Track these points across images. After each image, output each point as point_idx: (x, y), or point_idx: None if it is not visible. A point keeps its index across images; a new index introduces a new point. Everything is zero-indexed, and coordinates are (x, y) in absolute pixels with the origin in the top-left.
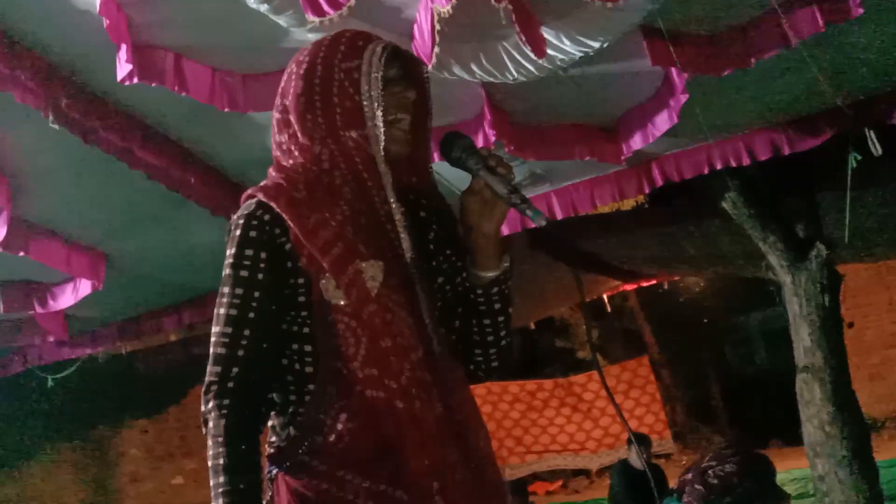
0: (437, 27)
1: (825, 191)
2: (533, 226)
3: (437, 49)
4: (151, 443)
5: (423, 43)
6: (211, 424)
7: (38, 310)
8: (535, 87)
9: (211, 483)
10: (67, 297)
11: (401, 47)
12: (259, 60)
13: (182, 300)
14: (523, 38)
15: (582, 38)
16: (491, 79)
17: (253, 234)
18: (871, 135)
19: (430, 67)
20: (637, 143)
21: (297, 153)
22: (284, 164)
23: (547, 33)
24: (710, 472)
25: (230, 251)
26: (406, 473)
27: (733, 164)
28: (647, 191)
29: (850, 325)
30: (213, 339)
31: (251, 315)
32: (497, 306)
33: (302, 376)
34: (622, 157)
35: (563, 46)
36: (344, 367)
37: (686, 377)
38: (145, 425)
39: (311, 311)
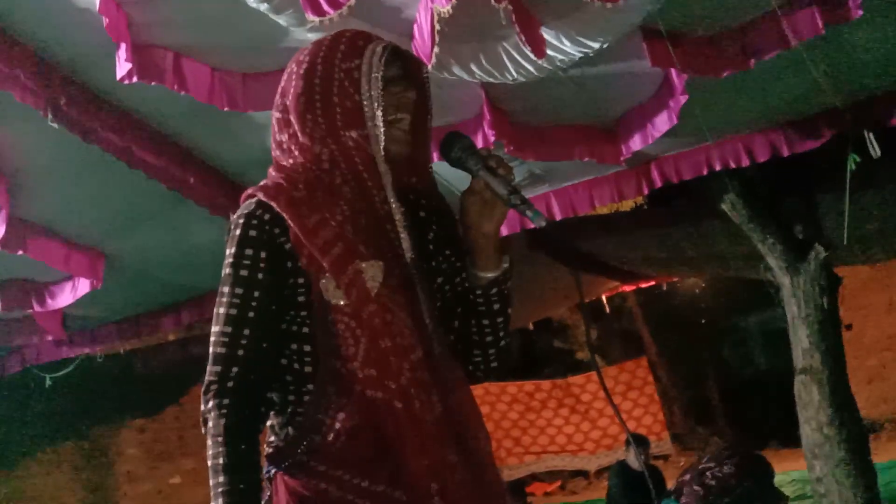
0: (437, 27)
1: (824, 192)
2: (532, 226)
3: (436, 49)
4: (149, 442)
5: (422, 43)
6: (210, 424)
7: (37, 309)
8: (535, 87)
9: (210, 483)
10: (66, 296)
11: (401, 47)
12: (259, 60)
13: (181, 300)
14: (523, 39)
15: (582, 39)
16: (490, 79)
17: (253, 233)
18: (871, 136)
19: (429, 67)
20: (636, 143)
21: (297, 153)
22: (284, 163)
23: (547, 34)
24: (707, 473)
25: (230, 251)
26: (405, 474)
27: (732, 165)
28: (646, 192)
29: (849, 327)
30: (212, 338)
31: (251, 315)
32: (496, 307)
33: (301, 376)
34: (621, 158)
35: (562, 47)
36: (343, 367)
37: (684, 378)
38: (143, 425)
39: (310, 311)
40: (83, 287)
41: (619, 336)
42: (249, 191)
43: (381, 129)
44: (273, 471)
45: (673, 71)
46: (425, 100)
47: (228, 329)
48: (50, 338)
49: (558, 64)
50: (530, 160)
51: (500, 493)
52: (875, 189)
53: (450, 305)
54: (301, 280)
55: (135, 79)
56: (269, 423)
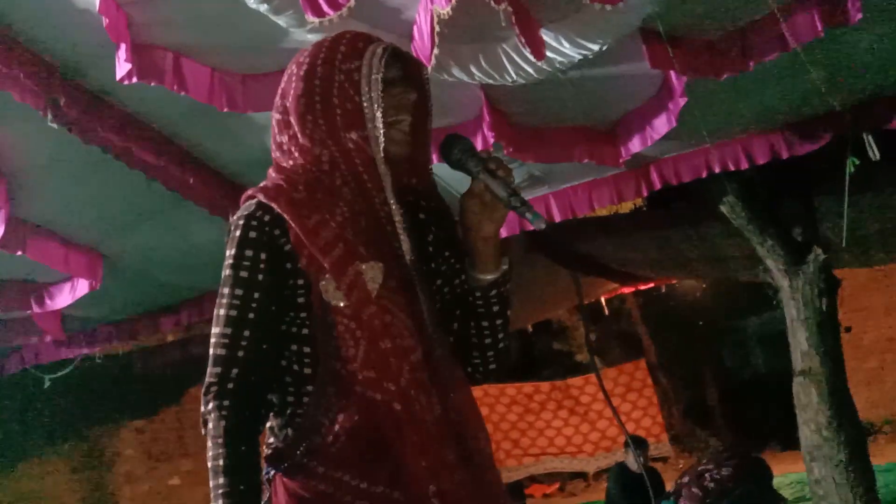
0: (437, 28)
1: (823, 195)
2: (531, 228)
3: (436, 50)
4: (148, 443)
5: (422, 44)
6: (211, 425)
7: (36, 309)
8: (535, 89)
9: (211, 484)
10: (65, 297)
11: (401, 49)
12: (258, 60)
13: (180, 300)
14: (522, 41)
15: (581, 41)
16: (490, 80)
17: (253, 234)
18: (870, 139)
19: (429, 69)
20: (636, 146)
21: (297, 154)
22: (284, 165)
23: (546, 35)
24: (706, 475)
25: (230, 252)
26: (404, 475)
27: (731, 167)
28: (645, 194)
29: (848, 330)
30: (212, 339)
31: (251, 316)
32: (495, 309)
33: (301, 377)
34: (621, 160)
35: (562, 49)
36: (343, 369)
37: (683, 380)
38: (142, 425)
39: (310, 313)
40: (82, 288)
41: (618, 338)
42: (249, 192)
43: (381, 131)
44: (272, 472)
45: (672, 73)
46: (425, 101)
47: (228, 330)
48: (49, 338)
49: (558, 66)
50: (530, 162)
51: (500, 495)
52: (874, 191)
53: (449, 307)
54: (301, 281)
55: (134, 79)
56: (268, 424)
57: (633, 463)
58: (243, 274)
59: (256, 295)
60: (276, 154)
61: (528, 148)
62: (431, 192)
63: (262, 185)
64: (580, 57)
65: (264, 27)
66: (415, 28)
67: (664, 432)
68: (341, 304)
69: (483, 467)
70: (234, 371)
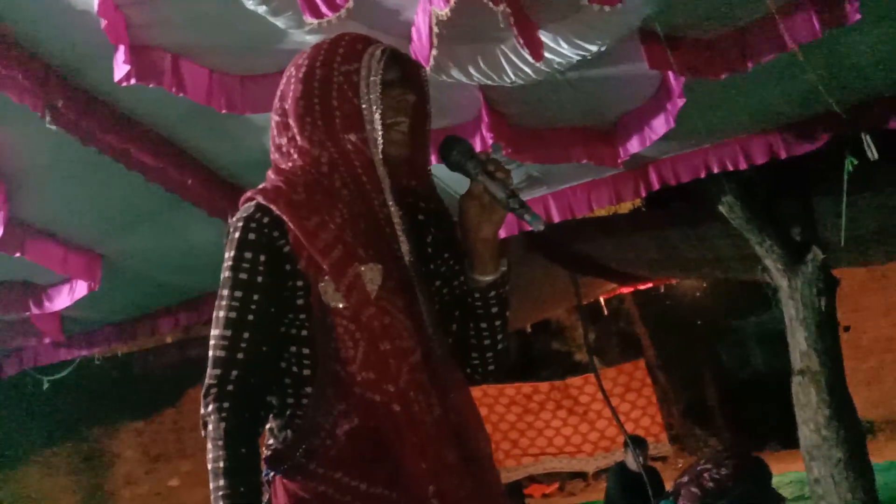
0: (436, 30)
1: (821, 195)
2: (530, 228)
3: (434, 51)
4: (147, 444)
5: (420, 45)
6: (210, 427)
7: (34, 311)
8: (533, 90)
9: (211, 486)
10: (63, 299)
11: (400, 50)
12: (257, 62)
13: (179, 301)
14: (521, 41)
15: (579, 42)
16: (488, 81)
17: (252, 236)
18: (868, 139)
19: (427, 70)
20: (634, 146)
21: (296, 156)
22: (283, 166)
23: (544, 36)
24: (705, 475)
25: (229, 253)
26: (403, 476)
27: (730, 167)
28: (643, 194)
29: (847, 329)
30: (212, 341)
31: (250, 318)
32: (494, 310)
33: (300, 379)
34: (619, 161)
35: (560, 49)
36: (342, 370)
37: (682, 380)
38: (141, 427)
39: (309, 314)
40: (81, 289)
41: (617, 338)
42: (248, 194)
43: (380, 133)
44: (272, 473)
45: (671, 74)
46: (424, 103)
47: (228, 332)
48: (48, 340)
49: (556, 66)
50: (528, 162)
51: (499, 495)
52: (872, 191)
53: (448, 308)
54: (300, 283)
55: (133, 81)
56: (268, 425)
57: (632, 462)
58: (242, 276)
59: (256, 297)
60: (275, 156)
61: (526, 149)
62: (430, 194)
63: (261, 186)
64: (578, 58)
65: (263, 28)
66: (413, 29)
67: (663, 432)
68: (340, 306)
69: (482, 468)
70: (234, 373)
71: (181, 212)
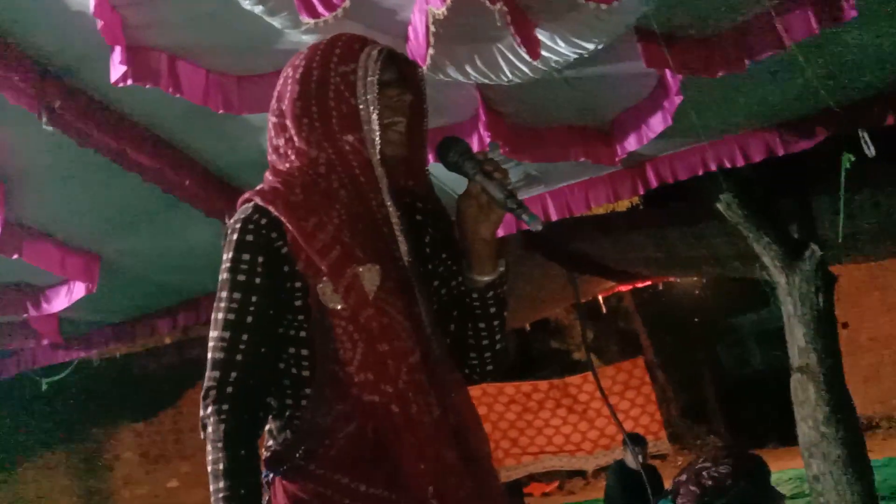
0: (432, 29)
1: (819, 192)
2: (528, 227)
3: (431, 50)
4: (146, 446)
5: (417, 44)
6: (210, 429)
7: (32, 313)
8: (530, 88)
9: (211, 488)
10: (61, 300)
11: (396, 51)
12: (254, 62)
13: (177, 302)
14: (518, 40)
15: (576, 40)
16: (485, 80)
17: (250, 237)
18: (865, 136)
19: (424, 69)
20: (631, 144)
21: (293, 157)
22: (281, 167)
23: (541, 35)
24: (704, 473)
25: (227, 255)
26: (402, 477)
27: (727, 165)
28: (641, 192)
29: (845, 326)
30: (210, 343)
31: (249, 319)
32: (492, 310)
33: (299, 380)
34: (617, 159)
35: (557, 48)
36: (340, 371)
37: (681, 378)
38: (140, 428)
39: (307, 315)
40: (79, 291)
41: (615, 336)
42: (246, 195)
43: (378, 133)
44: (271, 475)
45: (668, 72)
46: (421, 103)
47: (227, 334)
48: (46, 342)
49: (553, 65)
50: (526, 161)
51: (498, 495)
52: (870, 188)
53: (446, 308)
54: (298, 284)
55: (129, 81)
56: (267, 427)
57: (631, 461)
58: (241, 277)
59: (254, 298)
60: (272, 157)
61: (524, 148)
62: (428, 194)
63: (258, 188)
64: (576, 56)
65: (259, 28)
66: (410, 28)
67: (662, 430)
68: (339, 307)
69: (482, 468)
70: (233, 375)
71: (179, 212)
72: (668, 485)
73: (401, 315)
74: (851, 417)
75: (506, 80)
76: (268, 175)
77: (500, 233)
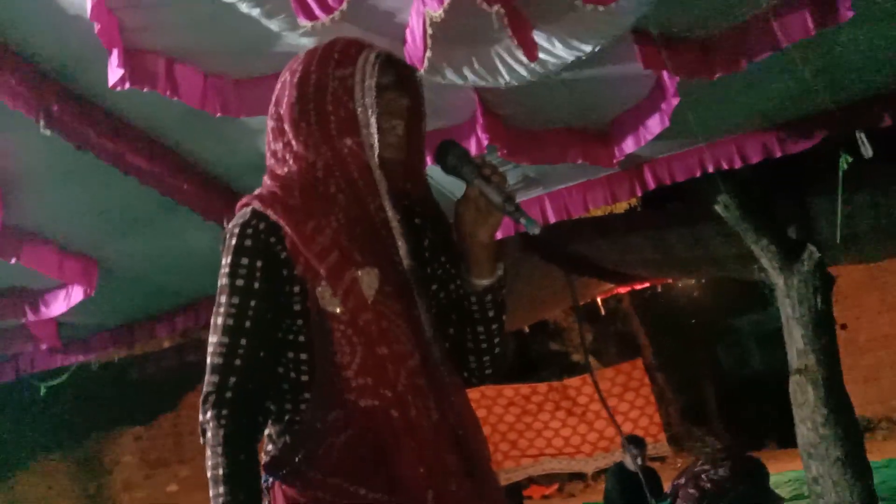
0: (430, 31)
1: (817, 193)
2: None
3: (429, 53)
4: (146, 450)
5: (415, 47)
6: (209, 434)
7: (30, 317)
8: (528, 91)
9: (210, 493)
10: (59, 304)
11: (394, 54)
12: (251, 65)
13: (175, 306)
14: (515, 42)
15: (574, 42)
16: (483, 83)
17: (248, 242)
18: (862, 137)
19: (422, 72)
20: (629, 146)
21: (291, 161)
22: (279, 172)
23: (539, 37)
24: (703, 476)
25: (225, 260)
26: (401, 481)
27: (725, 166)
28: (639, 194)
29: (844, 327)
30: (210, 348)
31: (248, 324)
32: (491, 314)
33: (297, 384)
34: (614, 161)
35: (555, 50)
36: (340, 375)
37: (680, 380)
38: (139, 432)
39: (306, 320)
40: (77, 295)
41: (614, 338)
42: (244, 199)
43: (376, 137)
44: (271, 479)
45: (665, 73)
46: (419, 106)
47: (226, 339)
48: (44, 346)
49: (551, 67)
50: (524, 164)
51: (498, 499)
52: (868, 189)
53: (445, 312)
54: (297, 288)
55: (127, 85)
56: (266, 431)
57: (631, 463)
58: (239, 282)
59: (253, 303)
60: (270, 161)
61: (522, 150)
62: (426, 197)
63: (256, 192)
64: (573, 58)
65: (257, 31)
66: (407, 31)
67: (662, 432)
68: (338, 311)
69: (481, 472)
70: (232, 380)
71: (177, 216)
72: (667, 487)
73: (400, 318)
74: (850, 419)
75: (503, 82)
76: (266, 179)
77: (499, 235)
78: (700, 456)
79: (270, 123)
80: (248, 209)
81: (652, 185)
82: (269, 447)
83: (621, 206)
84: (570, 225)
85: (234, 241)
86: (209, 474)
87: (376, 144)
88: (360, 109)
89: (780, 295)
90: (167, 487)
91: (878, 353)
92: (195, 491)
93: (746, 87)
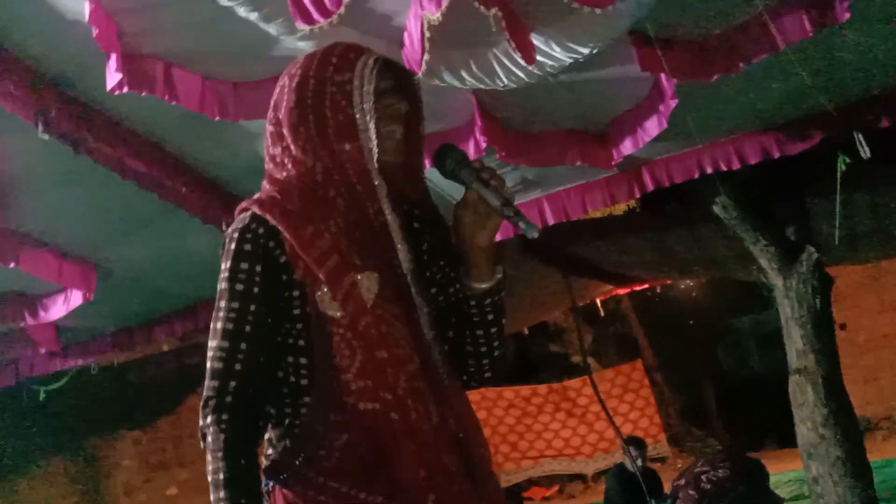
0: (427, 34)
1: (815, 194)
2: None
3: (427, 56)
4: (145, 453)
5: (413, 50)
6: (210, 439)
7: (29, 321)
8: (526, 93)
9: (211, 497)
10: (59, 308)
11: (393, 59)
12: (250, 68)
13: (174, 309)
14: (513, 45)
15: (571, 45)
16: (481, 85)
17: (247, 247)
18: (860, 138)
19: (420, 75)
20: (627, 148)
21: (290, 166)
22: (278, 176)
23: (536, 40)
24: (703, 477)
25: (225, 265)
26: (402, 484)
27: (723, 168)
28: (637, 196)
29: (843, 327)
30: (209, 353)
31: (247, 329)
32: (490, 317)
33: (298, 389)
34: (613, 163)
35: (552, 53)
36: (339, 379)
37: (680, 381)
38: (139, 436)
39: (306, 324)
40: (76, 299)
41: (614, 339)
42: (243, 204)
43: (375, 142)
44: (271, 484)
45: (662, 75)
46: (418, 110)
47: (225, 343)
48: (44, 350)
49: (549, 70)
50: (522, 166)
51: (498, 502)
52: (865, 190)
53: (444, 315)
54: (296, 293)
55: (125, 89)
56: (266, 436)
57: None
58: (239, 287)
59: (252, 307)
60: (269, 166)
61: (520, 152)
62: (425, 201)
63: (255, 197)
64: (571, 61)
65: (254, 35)
66: (405, 34)
67: (662, 433)
68: (337, 315)
69: (482, 475)
70: (232, 384)
71: (175, 219)
72: (667, 488)
73: (399, 322)
74: (850, 418)
75: (501, 84)
76: (265, 184)
77: (497, 237)
78: (700, 456)
79: (269, 128)
80: (248, 214)
81: (650, 186)
82: (270, 451)
83: (620, 208)
84: (569, 227)
85: (233, 246)
86: (210, 479)
87: (375, 149)
88: (358, 114)
89: (780, 295)
90: (167, 491)
91: (877, 353)
92: (195, 494)
93: (744, 89)
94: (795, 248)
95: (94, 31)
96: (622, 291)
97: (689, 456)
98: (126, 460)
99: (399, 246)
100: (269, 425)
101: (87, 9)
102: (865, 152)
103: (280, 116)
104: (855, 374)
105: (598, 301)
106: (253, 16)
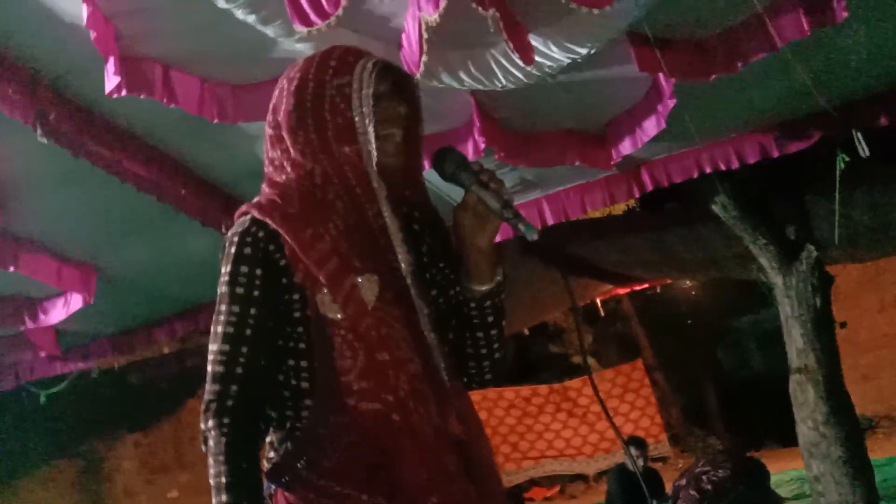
0: (425, 35)
1: (814, 193)
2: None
3: (425, 57)
4: (146, 456)
5: (411, 51)
6: (211, 443)
7: (29, 325)
8: (524, 93)
9: (214, 501)
10: (58, 312)
11: (392, 62)
12: (248, 71)
13: (174, 312)
14: (511, 46)
15: (569, 45)
16: (479, 86)
17: (247, 250)
18: (859, 136)
19: (418, 76)
20: (626, 148)
21: (289, 169)
22: (277, 179)
23: (534, 40)
24: (703, 477)
25: (225, 268)
26: (404, 486)
27: (722, 167)
28: (636, 195)
29: (843, 326)
30: (210, 356)
31: (248, 332)
32: (490, 319)
33: (299, 391)
34: (612, 163)
35: (550, 53)
36: (341, 381)
37: (680, 380)
38: (139, 439)
39: (306, 327)
40: (76, 302)
41: (614, 339)
42: (243, 208)
43: (374, 145)
44: (273, 487)
45: (661, 75)
46: (417, 113)
47: (226, 347)
48: (43, 354)
49: (547, 70)
50: (522, 166)
51: (500, 503)
52: (865, 189)
53: (444, 317)
54: (297, 296)
55: (124, 92)
56: (268, 439)
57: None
58: (239, 290)
59: (253, 311)
60: (268, 169)
61: (519, 153)
62: (424, 203)
63: (255, 200)
64: (569, 61)
65: (253, 37)
66: (403, 35)
67: (663, 432)
68: (338, 318)
69: (485, 476)
70: (233, 388)
71: (175, 222)
72: (669, 488)
73: (400, 324)
74: (851, 417)
75: (500, 85)
76: (264, 187)
77: (497, 239)
78: (701, 456)
79: (268, 131)
80: (248, 217)
81: (649, 186)
82: (271, 454)
83: (619, 208)
84: (569, 227)
85: (233, 250)
86: (212, 482)
87: (374, 152)
88: (357, 118)
89: (780, 294)
90: (168, 493)
91: (877, 352)
92: (196, 496)
93: (743, 88)
94: (795, 246)
95: (93, 35)
96: (622, 291)
97: (690, 455)
98: (126, 463)
99: (399, 248)
100: (271, 428)
101: (85, 12)
102: (864, 151)
103: (279, 120)
104: (855, 373)
105: (598, 301)
106: (251, 18)
